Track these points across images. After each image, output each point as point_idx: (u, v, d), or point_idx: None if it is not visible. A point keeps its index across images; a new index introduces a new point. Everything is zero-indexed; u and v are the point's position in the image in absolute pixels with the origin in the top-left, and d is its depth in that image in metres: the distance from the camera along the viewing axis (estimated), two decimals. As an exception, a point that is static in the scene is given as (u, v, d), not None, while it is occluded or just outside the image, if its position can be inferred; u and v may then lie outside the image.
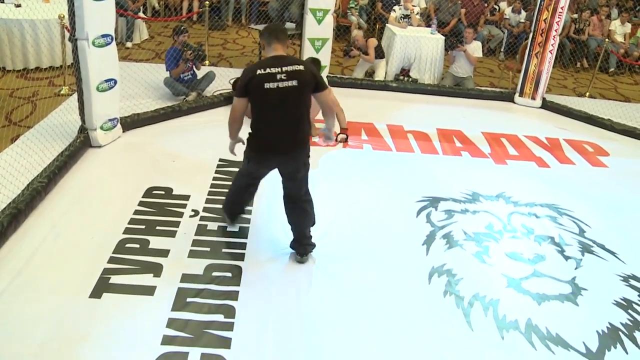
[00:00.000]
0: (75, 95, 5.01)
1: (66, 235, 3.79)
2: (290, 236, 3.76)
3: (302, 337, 3.12)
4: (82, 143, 4.84)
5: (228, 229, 4.02)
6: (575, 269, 4.00)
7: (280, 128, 3.37)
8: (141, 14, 8.88)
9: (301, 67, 3.31)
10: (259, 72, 3.24)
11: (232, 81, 6.58)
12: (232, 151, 3.72)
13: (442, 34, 8.24)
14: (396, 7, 8.57)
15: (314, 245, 3.78)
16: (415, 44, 7.85)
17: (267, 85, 3.22)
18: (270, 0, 8.56)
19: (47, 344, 2.90)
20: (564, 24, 9.26)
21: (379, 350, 3.09)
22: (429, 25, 8.40)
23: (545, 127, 6.75)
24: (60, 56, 6.50)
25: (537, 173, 5.49)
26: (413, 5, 8.58)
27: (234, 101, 3.40)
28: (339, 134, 5.62)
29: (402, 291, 3.57)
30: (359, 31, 7.68)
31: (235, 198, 3.90)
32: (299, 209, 3.64)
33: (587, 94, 8.33)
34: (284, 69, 3.25)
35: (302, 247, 3.74)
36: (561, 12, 6.94)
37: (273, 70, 3.23)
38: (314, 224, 3.75)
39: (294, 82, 3.25)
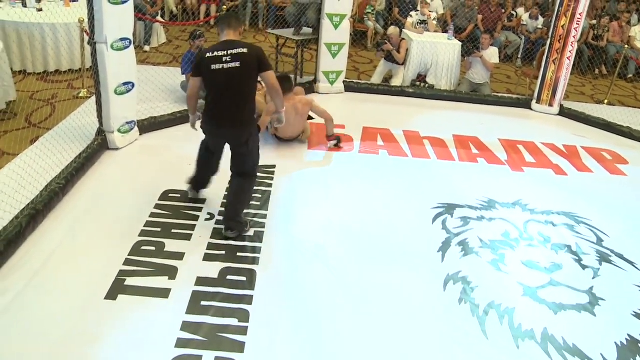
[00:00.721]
0: (94, 98, 5.06)
1: (83, 236, 3.82)
2: (303, 240, 3.76)
3: (315, 342, 3.12)
4: (100, 145, 4.89)
5: (190, 197, 4.32)
6: (593, 278, 3.95)
7: (224, 105, 3.72)
8: (159, 18, 8.96)
9: (245, 50, 3.64)
10: (208, 55, 3.63)
11: None
12: (192, 125, 4.11)
13: (459, 40, 8.21)
14: (413, 13, 8.57)
15: (242, 227, 3.97)
16: (432, 50, 7.83)
17: (213, 67, 3.60)
18: (288, 5, 8.58)
19: (63, 343, 2.92)
20: (583, 30, 9.22)
21: (392, 356, 3.07)
22: (445, 31, 8.38)
23: (562, 135, 6.69)
24: (79, 59, 6.58)
25: (554, 181, 5.44)
26: (430, 11, 8.56)
27: (189, 80, 3.96)
28: (329, 140, 5.59)
29: (417, 298, 3.55)
30: (396, 29, 7.67)
31: (197, 169, 4.24)
32: (236, 183, 3.95)
33: (606, 101, 8.24)
34: (230, 52, 3.61)
35: (228, 222, 3.94)
36: (579, 19, 6.89)
37: (220, 53, 3.61)
38: (246, 205, 4.07)
39: (237, 64, 3.60)
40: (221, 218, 4.13)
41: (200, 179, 4.29)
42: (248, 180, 3.97)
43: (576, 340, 3.31)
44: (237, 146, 3.85)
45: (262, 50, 3.76)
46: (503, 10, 9.96)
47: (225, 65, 3.59)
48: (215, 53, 3.61)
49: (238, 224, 3.95)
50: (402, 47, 7.56)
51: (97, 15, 4.58)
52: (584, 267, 4.06)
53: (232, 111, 3.71)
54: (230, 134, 3.81)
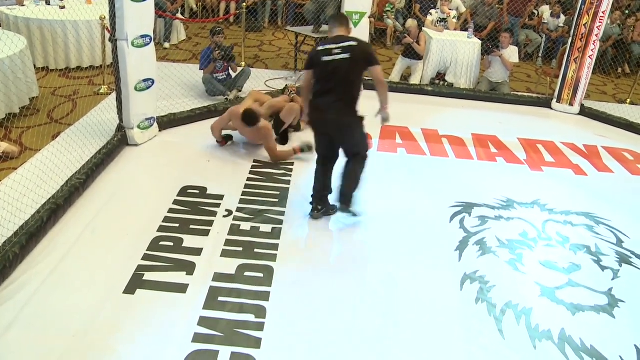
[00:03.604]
0: (114, 95, 5.12)
1: (102, 231, 3.87)
2: (320, 237, 3.77)
3: (331, 338, 3.12)
4: (120, 141, 4.94)
5: (314, 218, 4.26)
6: (612, 279, 3.91)
7: (331, 94, 3.90)
8: (179, 15, 9.02)
9: (355, 43, 3.87)
10: (320, 48, 3.93)
11: None
12: (306, 120, 4.20)
13: (479, 38, 8.16)
14: (433, 11, 8.52)
15: (351, 206, 4.11)
16: (451, 48, 7.79)
17: (324, 58, 3.84)
18: (307, 3, 8.60)
19: (82, 335, 2.97)
20: (610, 35, 9.09)
21: (408, 355, 3.07)
22: (465, 30, 8.32)
23: (583, 134, 6.62)
24: (100, 56, 6.65)
25: (573, 181, 5.39)
26: (450, 9, 8.51)
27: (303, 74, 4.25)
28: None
29: (433, 297, 3.54)
30: (414, 21, 7.63)
31: (314, 184, 4.27)
32: (347, 165, 4.09)
33: (628, 100, 8.13)
34: (340, 45, 3.86)
35: (342, 197, 4.09)
36: (602, 17, 6.79)
37: (331, 46, 3.87)
38: (356, 187, 4.09)
39: (347, 55, 3.82)
40: (239, 214, 4.17)
41: (317, 194, 4.27)
42: (359, 165, 4.10)
43: (594, 342, 3.28)
44: (342, 135, 4.01)
45: (370, 46, 4.00)
46: (529, 3, 9.76)
47: (336, 57, 3.82)
48: (327, 46, 3.89)
49: (348, 201, 4.10)
50: (421, 39, 7.51)
51: (119, 12, 4.63)
52: (603, 268, 4.02)
53: (338, 100, 3.91)
54: (335, 123, 3.96)
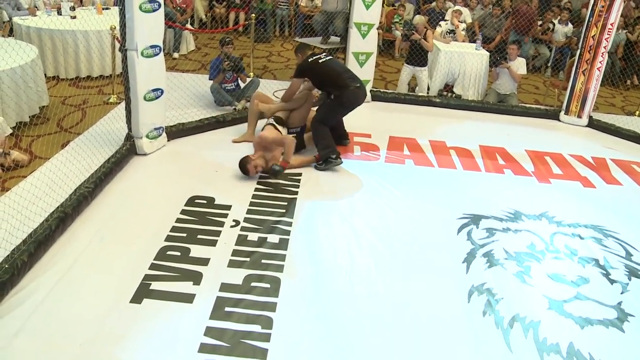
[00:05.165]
0: (123, 104, 5.15)
1: (110, 240, 3.88)
2: (328, 248, 3.76)
3: (338, 351, 3.11)
4: (128, 150, 4.96)
5: (340, 163, 5.18)
6: (622, 293, 3.88)
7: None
8: (188, 26, 9.08)
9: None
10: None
11: None
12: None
13: (487, 50, 8.16)
14: (442, 22, 8.54)
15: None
16: (459, 60, 7.80)
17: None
18: (316, 14, 8.65)
19: (88, 344, 2.97)
20: (618, 43, 9.08)
21: (415, 368, 3.06)
22: (473, 41, 8.33)
23: (591, 146, 6.59)
24: (110, 65, 6.70)
25: (582, 193, 5.36)
26: (460, 21, 8.52)
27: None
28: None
29: (441, 309, 3.53)
30: (422, 18, 7.63)
31: (330, 139, 5.30)
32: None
33: (637, 112, 8.09)
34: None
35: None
36: (610, 29, 6.79)
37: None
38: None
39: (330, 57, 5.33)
40: (247, 225, 4.20)
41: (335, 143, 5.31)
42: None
43: (603, 356, 3.25)
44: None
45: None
46: (539, 21, 9.75)
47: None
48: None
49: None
50: (428, 35, 7.43)
51: (129, 22, 4.67)
52: (612, 281, 3.99)
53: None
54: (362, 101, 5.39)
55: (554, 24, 9.84)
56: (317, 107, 5.52)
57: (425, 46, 7.45)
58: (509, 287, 3.79)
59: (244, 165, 4.84)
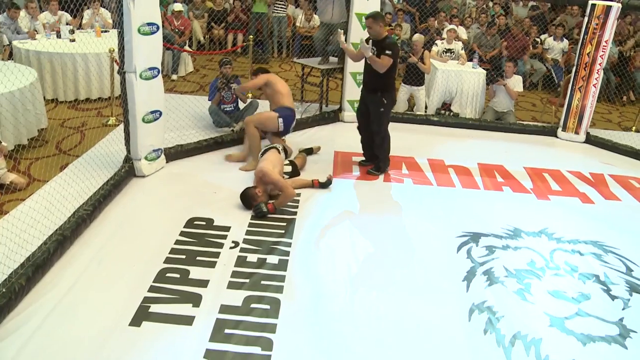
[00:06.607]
0: (122, 126, 5.17)
1: (109, 262, 3.87)
2: (327, 268, 3.75)
3: (338, 372, 3.10)
4: (127, 172, 4.97)
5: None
6: (623, 309, 3.86)
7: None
8: (187, 48, 9.14)
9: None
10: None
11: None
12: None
13: (484, 69, 8.21)
14: (438, 41, 8.60)
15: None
16: (456, 78, 7.85)
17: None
18: (313, 33, 8.73)
19: (88, 370, 2.95)
20: (610, 57, 9.15)
21: (417, 388, 3.03)
22: (470, 60, 8.39)
23: (589, 162, 6.62)
24: (109, 88, 6.73)
25: (581, 209, 5.37)
26: (457, 40, 8.58)
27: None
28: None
29: (441, 328, 3.51)
30: (420, 36, 7.68)
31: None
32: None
33: (634, 128, 8.13)
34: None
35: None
36: (605, 46, 6.85)
37: None
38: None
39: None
40: (246, 246, 4.18)
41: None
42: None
43: (606, 374, 3.23)
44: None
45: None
46: (528, 37, 9.89)
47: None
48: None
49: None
50: (425, 57, 7.50)
51: (127, 45, 4.71)
52: (613, 297, 3.98)
53: None
54: None
55: (541, 40, 9.94)
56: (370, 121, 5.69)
57: (422, 69, 7.51)
58: (510, 305, 3.77)
59: (249, 201, 4.70)
